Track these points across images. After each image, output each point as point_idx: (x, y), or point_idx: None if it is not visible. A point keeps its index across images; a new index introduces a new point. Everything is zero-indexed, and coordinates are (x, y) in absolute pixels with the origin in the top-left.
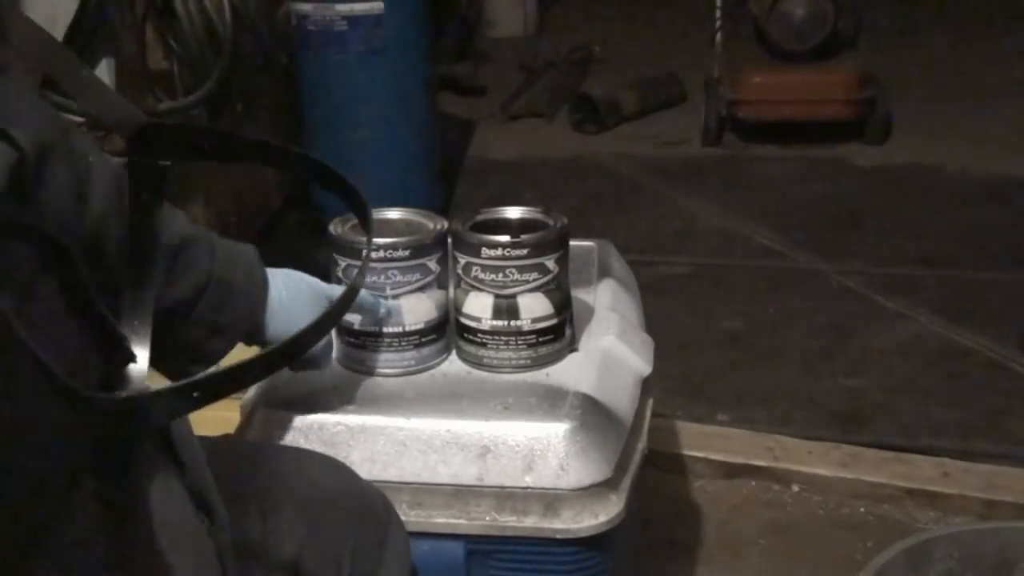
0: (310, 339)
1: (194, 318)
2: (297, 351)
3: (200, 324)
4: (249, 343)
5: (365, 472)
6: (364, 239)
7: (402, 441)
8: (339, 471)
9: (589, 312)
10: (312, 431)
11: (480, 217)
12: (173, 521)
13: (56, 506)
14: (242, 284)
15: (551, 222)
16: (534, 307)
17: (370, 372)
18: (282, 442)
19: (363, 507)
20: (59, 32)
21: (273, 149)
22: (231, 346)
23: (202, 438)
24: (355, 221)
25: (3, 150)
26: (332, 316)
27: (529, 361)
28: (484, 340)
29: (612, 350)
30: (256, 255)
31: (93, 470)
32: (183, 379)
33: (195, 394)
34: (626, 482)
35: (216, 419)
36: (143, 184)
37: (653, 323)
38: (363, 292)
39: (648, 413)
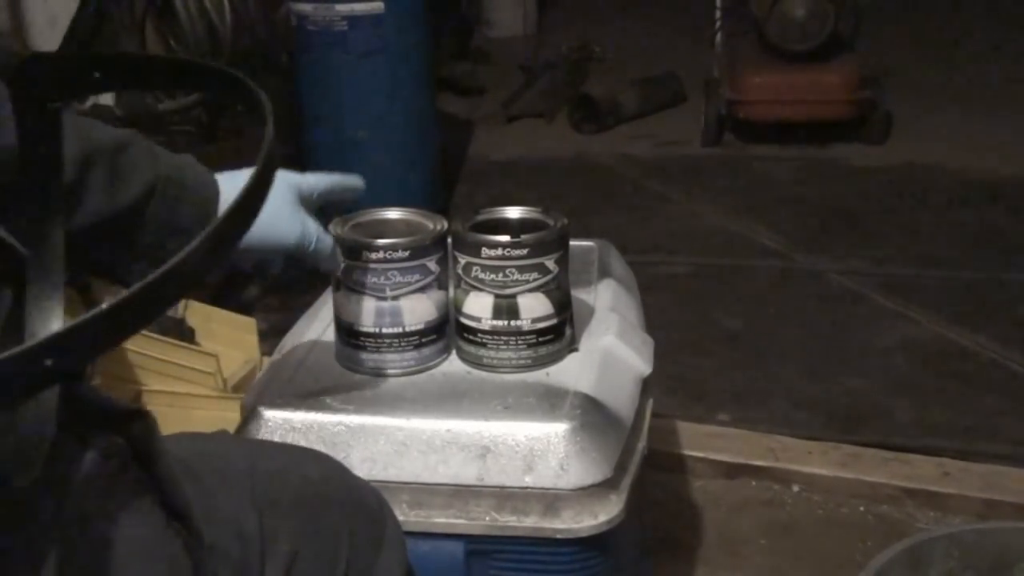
0: (196, 260)
1: (148, 221)
2: (178, 280)
3: (156, 227)
4: None
5: (365, 472)
6: (365, 239)
7: (402, 441)
8: (332, 468)
9: (589, 312)
10: (312, 431)
11: (480, 217)
12: (139, 543)
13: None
14: (191, 181)
15: (551, 222)
16: (534, 307)
17: (370, 372)
18: (281, 442)
19: (358, 504)
20: (59, 32)
21: (179, 65)
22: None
23: (195, 435)
24: (355, 221)
25: None
26: (224, 227)
27: (529, 361)
28: (484, 340)
29: (612, 350)
30: (195, 160)
31: (46, 494)
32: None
33: (47, 361)
34: (626, 482)
35: (216, 419)
36: (36, 131)
37: (653, 323)
38: (314, 231)
39: (648, 413)
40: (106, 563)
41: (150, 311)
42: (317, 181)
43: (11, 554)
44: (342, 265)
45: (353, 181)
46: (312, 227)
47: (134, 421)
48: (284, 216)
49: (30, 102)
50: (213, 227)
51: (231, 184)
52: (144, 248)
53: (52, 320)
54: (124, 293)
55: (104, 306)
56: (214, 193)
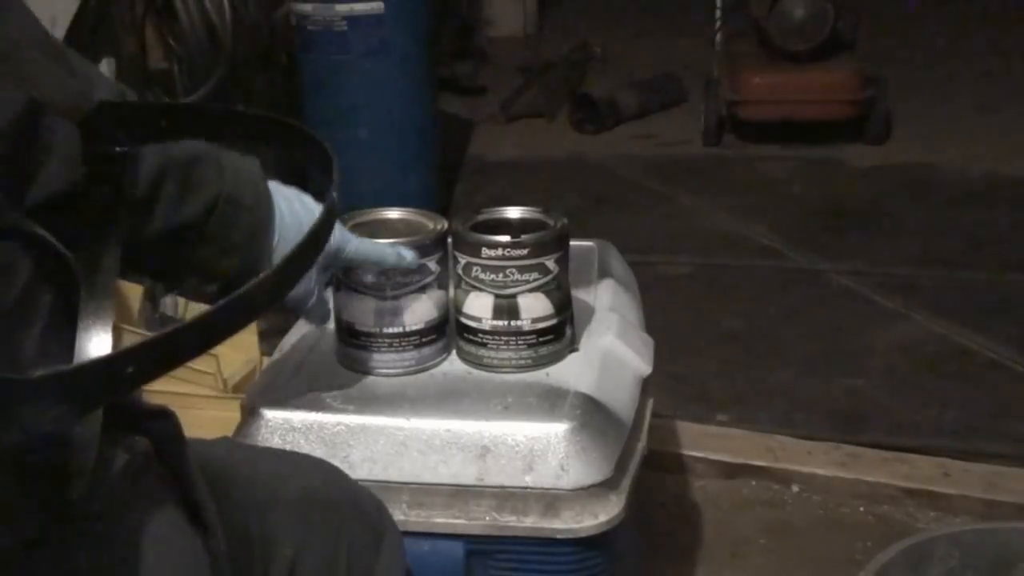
0: (264, 290)
1: (205, 237)
2: (249, 306)
3: (211, 243)
4: (250, 271)
5: (365, 472)
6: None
7: (402, 441)
8: (332, 473)
9: (589, 312)
10: (312, 431)
11: (480, 217)
12: (164, 538)
13: (37, 528)
14: (248, 201)
15: (551, 222)
16: (534, 307)
17: (370, 372)
18: (282, 442)
19: (357, 509)
20: (59, 32)
21: (246, 119)
22: (242, 267)
23: (198, 441)
24: (356, 220)
25: None
26: (291, 264)
27: (529, 361)
28: (484, 340)
29: (612, 350)
30: (259, 170)
31: (38, 506)
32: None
33: (129, 368)
34: (626, 482)
35: (216, 419)
36: (101, 174)
37: (653, 323)
38: (368, 243)
39: (648, 413)
40: (131, 558)
41: (216, 335)
42: (357, 248)
43: (48, 548)
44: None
45: (391, 258)
46: (316, 291)
47: (158, 421)
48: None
49: (98, 145)
50: (274, 268)
51: (284, 203)
52: (198, 261)
53: (101, 342)
54: (197, 316)
55: (180, 324)
56: (267, 213)
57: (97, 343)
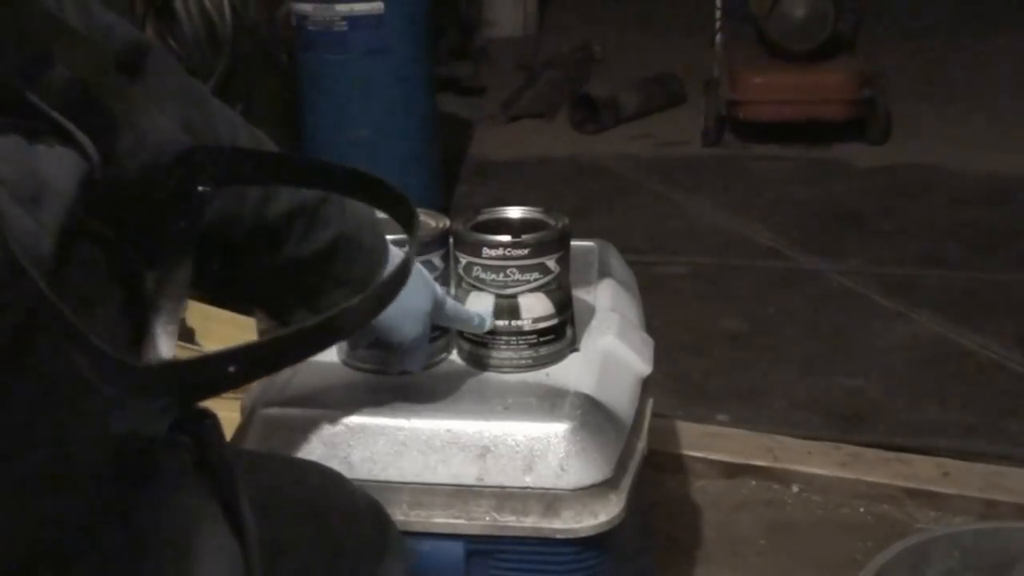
0: (360, 312)
1: (323, 271)
2: (343, 325)
3: (326, 277)
4: None
5: (365, 472)
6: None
7: (402, 441)
8: (332, 479)
9: (589, 312)
10: (312, 431)
11: (481, 217)
12: (208, 543)
13: (78, 538)
14: (367, 242)
15: (552, 222)
16: (535, 307)
17: (372, 370)
18: (282, 442)
19: (358, 514)
20: None
21: (332, 170)
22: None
23: None
24: None
25: (74, 160)
26: (386, 289)
27: (530, 361)
28: (485, 340)
29: (612, 350)
30: (376, 216)
31: (120, 494)
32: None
33: (231, 367)
34: (626, 482)
35: None
36: (182, 212)
37: (653, 323)
38: (459, 307)
39: (648, 413)
40: (178, 561)
41: (316, 344)
42: (453, 308)
43: (101, 548)
44: None
45: (475, 321)
46: (427, 338)
47: (201, 421)
48: (419, 318)
49: (185, 183)
50: (370, 292)
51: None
52: (309, 293)
53: (166, 349)
54: (302, 326)
55: (284, 332)
56: (382, 255)
57: (161, 354)
